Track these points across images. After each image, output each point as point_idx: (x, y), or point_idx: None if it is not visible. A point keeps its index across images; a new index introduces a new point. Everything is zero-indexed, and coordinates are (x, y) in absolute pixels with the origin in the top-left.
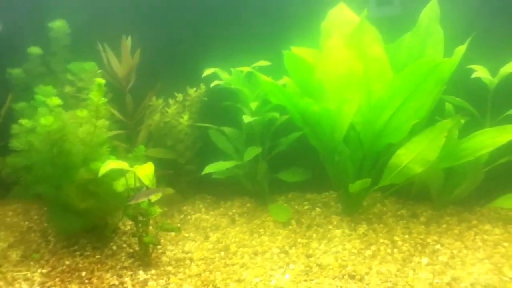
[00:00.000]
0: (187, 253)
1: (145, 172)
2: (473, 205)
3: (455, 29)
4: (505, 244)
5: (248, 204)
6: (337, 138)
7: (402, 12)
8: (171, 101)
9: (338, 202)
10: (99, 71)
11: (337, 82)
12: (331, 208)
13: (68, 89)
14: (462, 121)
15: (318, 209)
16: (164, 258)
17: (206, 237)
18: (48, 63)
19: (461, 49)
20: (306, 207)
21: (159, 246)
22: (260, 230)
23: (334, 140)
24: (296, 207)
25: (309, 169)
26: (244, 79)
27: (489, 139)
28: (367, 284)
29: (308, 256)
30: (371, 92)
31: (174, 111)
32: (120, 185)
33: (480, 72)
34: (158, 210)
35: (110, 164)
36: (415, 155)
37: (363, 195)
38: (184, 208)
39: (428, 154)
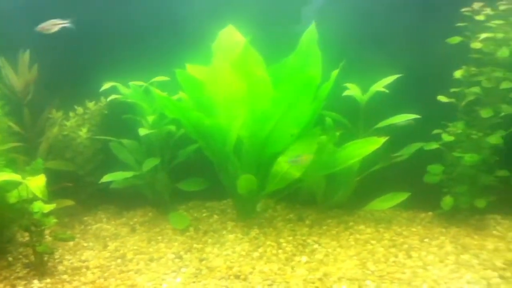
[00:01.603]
0: (84, 261)
1: (37, 184)
2: (353, 208)
3: (332, 51)
4: (373, 242)
5: (150, 213)
6: (228, 149)
7: (288, 34)
8: (71, 114)
9: (234, 209)
10: None
11: (225, 99)
12: (227, 215)
13: None
14: (337, 133)
15: (215, 216)
16: (60, 267)
17: (105, 246)
18: None
19: (335, 72)
20: (204, 215)
21: (56, 256)
22: (158, 238)
23: (226, 152)
24: (195, 214)
25: (208, 179)
26: (142, 93)
27: (358, 150)
28: (249, 283)
29: (201, 260)
30: (255, 107)
31: (74, 124)
32: (12, 197)
33: (352, 90)
34: (53, 220)
35: (2, 176)
36: None
37: (255, 201)
38: (85, 218)
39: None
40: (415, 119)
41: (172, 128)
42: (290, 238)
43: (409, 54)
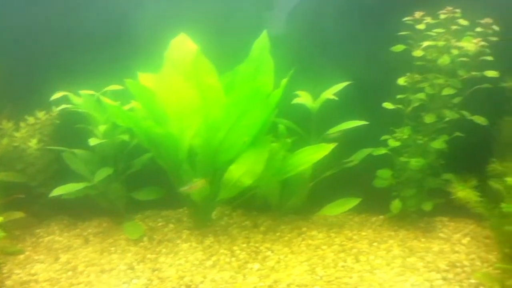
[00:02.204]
0: (33, 275)
1: None
2: (308, 213)
3: (285, 59)
4: (324, 247)
5: (105, 224)
6: (180, 158)
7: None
8: (21, 124)
9: (190, 218)
10: None
11: (177, 108)
12: (183, 223)
13: None
14: (289, 140)
15: (171, 225)
16: (8, 282)
17: (56, 259)
18: None
19: (285, 81)
20: (160, 224)
21: (4, 270)
22: (112, 249)
23: (178, 160)
24: (150, 224)
25: (164, 187)
26: (95, 102)
27: (308, 156)
28: None
29: (154, 270)
30: (207, 116)
31: (24, 134)
32: None
33: (303, 98)
34: (0, 234)
35: None
36: (245, 169)
37: (210, 209)
38: (38, 231)
39: (255, 167)
40: (366, 125)
41: (125, 137)
42: (244, 245)
43: (361, 61)
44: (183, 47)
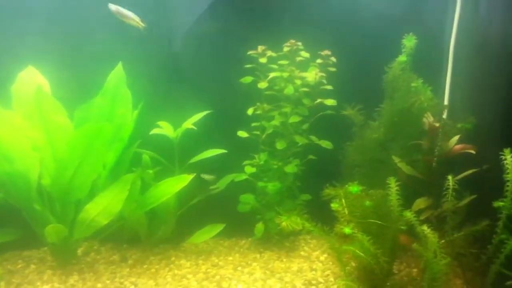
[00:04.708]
0: None
1: None
2: (179, 241)
3: (145, 91)
4: (190, 276)
5: None
6: (32, 197)
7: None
8: None
9: (53, 256)
10: None
11: (22, 145)
12: (46, 263)
13: None
14: (151, 171)
15: (33, 266)
16: None
17: None
18: None
19: (136, 113)
20: (20, 265)
21: None
22: None
23: (30, 199)
24: (9, 267)
25: (24, 227)
26: None
27: (169, 187)
28: None
29: None
30: (54, 153)
31: None
32: None
33: (164, 128)
34: None
35: None
36: (101, 209)
37: (72, 247)
38: None
39: (113, 207)
40: (232, 152)
41: None
42: (109, 281)
43: (222, 92)
44: (29, 81)
